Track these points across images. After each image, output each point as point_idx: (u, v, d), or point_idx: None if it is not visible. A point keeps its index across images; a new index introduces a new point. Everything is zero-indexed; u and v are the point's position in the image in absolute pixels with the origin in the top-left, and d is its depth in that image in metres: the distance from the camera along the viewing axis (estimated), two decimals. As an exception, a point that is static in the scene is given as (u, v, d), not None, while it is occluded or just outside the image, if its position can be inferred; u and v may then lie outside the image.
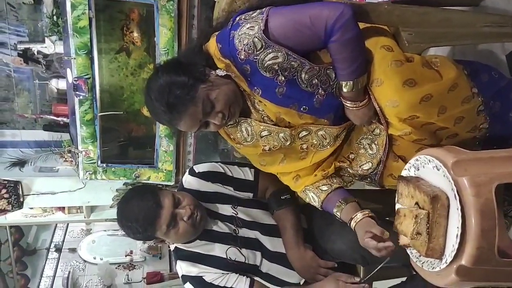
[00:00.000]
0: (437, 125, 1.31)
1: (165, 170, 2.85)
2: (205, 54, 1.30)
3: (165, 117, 1.29)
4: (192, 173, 1.62)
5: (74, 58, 2.53)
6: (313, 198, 1.45)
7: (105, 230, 4.81)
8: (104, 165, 2.83)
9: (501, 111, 1.39)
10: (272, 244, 1.55)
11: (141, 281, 4.30)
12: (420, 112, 1.25)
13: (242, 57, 1.23)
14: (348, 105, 1.29)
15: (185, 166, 2.89)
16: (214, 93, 1.26)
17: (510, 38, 1.42)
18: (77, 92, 2.59)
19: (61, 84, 2.95)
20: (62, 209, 4.14)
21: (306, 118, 1.34)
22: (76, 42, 2.50)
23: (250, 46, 1.21)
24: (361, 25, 1.35)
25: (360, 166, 1.44)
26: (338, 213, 1.40)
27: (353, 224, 1.34)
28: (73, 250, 4.70)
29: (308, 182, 1.47)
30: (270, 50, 1.21)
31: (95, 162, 2.80)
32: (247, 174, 1.62)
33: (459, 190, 0.98)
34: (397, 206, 1.16)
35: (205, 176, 1.60)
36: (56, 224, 4.87)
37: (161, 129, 2.76)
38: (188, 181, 1.61)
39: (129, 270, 4.43)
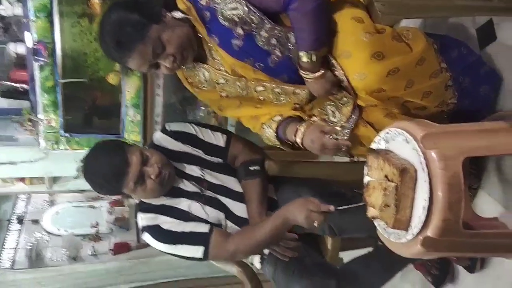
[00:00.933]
0: (404, 99, 1.32)
1: (132, 140, 2.78)
2: None
3: (115, 53, 1.29)
4: (164, 130, 1.60)
5: (33, 21, 2.40)
6: (269, 132, 1.45)
7: (69, 201, 4.71)
8: (67, 134, 2.74)
9: (470, 86, 1.41)
10: (239, 209, 1.55)
11: (107, 253, 4.27)
12: (387, 85, 1.25)
13: (203, 3, 1.23)
14: (304, 75, 1.30)
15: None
16: (167, 34, 1.26)
17: (481, 11, 1.43)
18: (36, 57, 2.47)
19: (20, 49, 2.80)
20: (23, 179, 4.01)
21: (260, 74, 1.34)
22: (35, 3, 2.36)
23: None
24: (334, -5, 1.34)
25: None
26: (286, 135, 1.40)
27: (299, 137, 1.34)
28: (36, 222, 4.59)
29: (264, 120, 1.47)
30: (230, 0, 1.21)
31: (57, 132, 2.70)
32: (219, 140, 1.60)
33: (428, 163, 0.99)
34: (367, 178, 1.17)
35: (176, 135, 1.58)
36: (18, 195, 4.74)
37: (127, 98, 2.69)
38: (159, 138, 1.59)
39: (95, 242, 4.37)
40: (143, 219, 1.50)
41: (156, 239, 1.46)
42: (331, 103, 1.40)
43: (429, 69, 1.31)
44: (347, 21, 1.27)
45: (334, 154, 1.30)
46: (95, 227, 4.46)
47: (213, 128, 1.64)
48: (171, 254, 1.48)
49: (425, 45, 1.30)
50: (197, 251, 1.44)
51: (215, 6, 1.23)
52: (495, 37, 1.50)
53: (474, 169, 1.52)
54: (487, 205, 1.52)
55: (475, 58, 1.45)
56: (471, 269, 1.59)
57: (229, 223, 1.53)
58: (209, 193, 1.54)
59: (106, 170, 1.42)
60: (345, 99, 1.35)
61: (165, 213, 1.49)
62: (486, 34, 1.53)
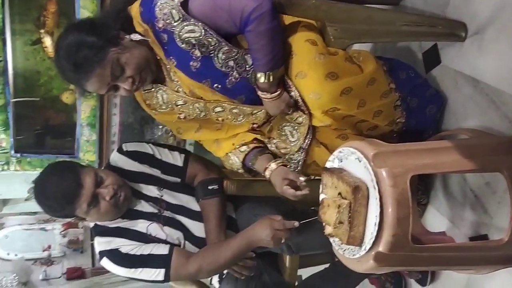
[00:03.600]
0: (357, 118, 1.37)
1: (87, 160, 2.71)
2: (124, 17, 1.29)
3: (72, 76, 1.28)
4: (120, 151, 1.58)
5: (-16, 40, 2.34)
6: (234, 160, 1.47)
7: (20, 224, 4.50)
8: (19, 155, 2.64)
9: (417, 106, 1.48)
10: (197, 229, 1.54)
11: (60, 277, 4.09)
12: (341, 104, 1.30)
13: (160, 25, 1.23)
14: (260, 95, 1.33)
15: (108, 157, 2.78)
16: (125, 57, 1.26)
17: (426, 37, 1.51)
18: (-13, 76, 2.40)
19: (-31, 67, 2.71)
20: (-30, 202, 3.81)
21: (218, 96, 1.36)
22: (-14, 22, 2.31)
23: (168, 16, 1.21)
24: (289, 19, 1.38)
25: (278, 150, 1.47)
26: (254, 166, 1.44)
27: (267, 173, 1.38)
28: (-17, 247, 4.36)
29: (228, 149, 1.48)
30: (187, 23, 1.22)
31: (7, 152, 2.60)
32: (176, 159, 1.60)
33: (378, 180, 1.03)
34: (322, 196, 1.20)
35: (133, 155, 1.57)
36: (-37, 219, 4.50)
37: (82, 118, 2.63)
38: (115, 159, 1.57)
39: (47, 266, 4.17)
40: (100, 243, 1.47)
41: (115, 263, 1.44)
42: (288, 124, 1.43)
43: (379, 89, 1.37)
44: (302, 43, 1.31)
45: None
46: (47, 250, 4.27)
47: (171, 148, 1.63)
48: (131, 278, 1.45)
49: (375, 67, 1.36)
50: (158, 274, 1.42)
51: (172, 29, 1.23)
52: (439, 60, 1.58)
53: (422, 186, 1.59)
54: (436, 220, 1.58)
55: (422, 81, 1.53)
56: (422, 282, 1.64)
57: (188, 244, 1.52)
58: (167, 213, 1.52)
59: (58, 192, 1.38)
60: (300, 119, 1.39)
61: (122, 235, 1.46)
62: (431, 58, 1.62)
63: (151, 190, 1.54)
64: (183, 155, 1.61)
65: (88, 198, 1.39)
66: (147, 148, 1.58)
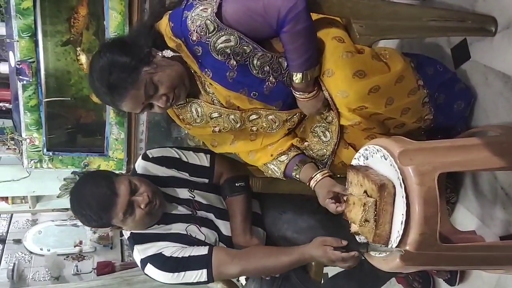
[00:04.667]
0: (384, 116, 1.36)
1: (116, 158, 2.77)
2: (154, 34, 1.28)
3: (107, 97, 1.28)
4: (146, 158, 1.58)
5: (17, 41, 2.40)
6: (274, 170, 1.47)
7: (52, 220, 4.63)
8: (51, 153, 2.72)
9: (445, 103, 1.45)
10: (226, 228, 1.55)
11: (91, 272, 4.19)
12: (368, 103, 1.28)
13: (194, 38, 1.22)
14: (297, 95, 1.31)
15: (136, 155, 2.83)
16: (158, 75, 1.25)
17: (454, 32, 1.47)
18: (20, 77, 2.46)
19: (3, 68, 2.79)
20: (5, 199, 3.95)
21: (255, 103, 1.35)
22: (19, 24, 2.36)
23: (203, 28, 1.20)
24: (314, 16, 1.37)
25: (314, 152, 1.46)
26: (297, 176, 1.43)
27: (312, 183, 1.37)
28: (18, 241, 4.49)
29: (266, 160, 1.48)
30: (222, 33, 1.21)
31: (40, 150, 2.68)
32: (203, 160, 1.60)
33: (405, 178, 1.02)
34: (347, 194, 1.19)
35: (159, 161, 1.57)
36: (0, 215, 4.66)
37: (111, 116, 2.68)
38: (142, 166, 1.56)
39: (78, 261, 4.28)
40: (141, 251, 1.44)
41: (159, 268, 1.40)
42: (319, 124, 1.42)
43: (407, 87, 1.35)
44: (329, 41, 1.30)
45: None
46: (79, 246, 4.39)
47: (195, 150, 1.63)
48: (177, 284, 1.43)
49: (403, 65, 1.33)
50: (200, 275, 1.40)
51: (206, 41, 1.21)
52: (469, 56, 1.54)
53: (451, 184, 1.56)
54: (466, 219, 1.55)
55: (451, 75, 1.50)
56: (451, 282, 1.62)
57: (220, 244, 1.52)
58: (201, 213, 1.53)
59: (93, 202, 1.37)
60: (330, 117, 1.38)
61: (163, 239, 1.45)
62: (460, 53, 1.58)
63: (183, 193, 1.54)
64: (208, 155, 1.60)
65: (124, 207, 1.37)
66: (173, 152, 1.59)
